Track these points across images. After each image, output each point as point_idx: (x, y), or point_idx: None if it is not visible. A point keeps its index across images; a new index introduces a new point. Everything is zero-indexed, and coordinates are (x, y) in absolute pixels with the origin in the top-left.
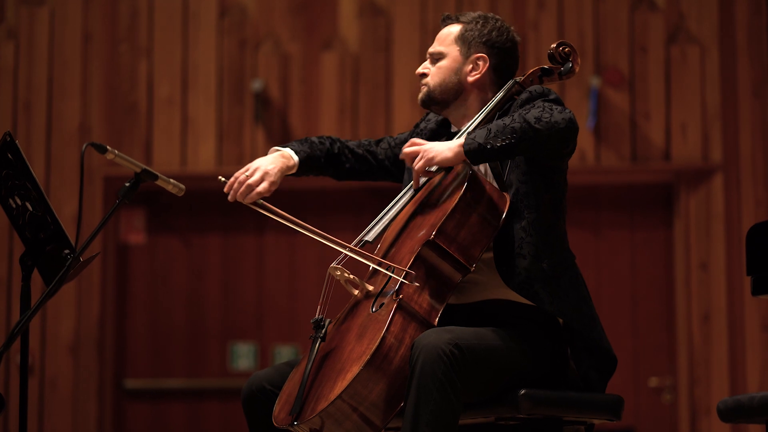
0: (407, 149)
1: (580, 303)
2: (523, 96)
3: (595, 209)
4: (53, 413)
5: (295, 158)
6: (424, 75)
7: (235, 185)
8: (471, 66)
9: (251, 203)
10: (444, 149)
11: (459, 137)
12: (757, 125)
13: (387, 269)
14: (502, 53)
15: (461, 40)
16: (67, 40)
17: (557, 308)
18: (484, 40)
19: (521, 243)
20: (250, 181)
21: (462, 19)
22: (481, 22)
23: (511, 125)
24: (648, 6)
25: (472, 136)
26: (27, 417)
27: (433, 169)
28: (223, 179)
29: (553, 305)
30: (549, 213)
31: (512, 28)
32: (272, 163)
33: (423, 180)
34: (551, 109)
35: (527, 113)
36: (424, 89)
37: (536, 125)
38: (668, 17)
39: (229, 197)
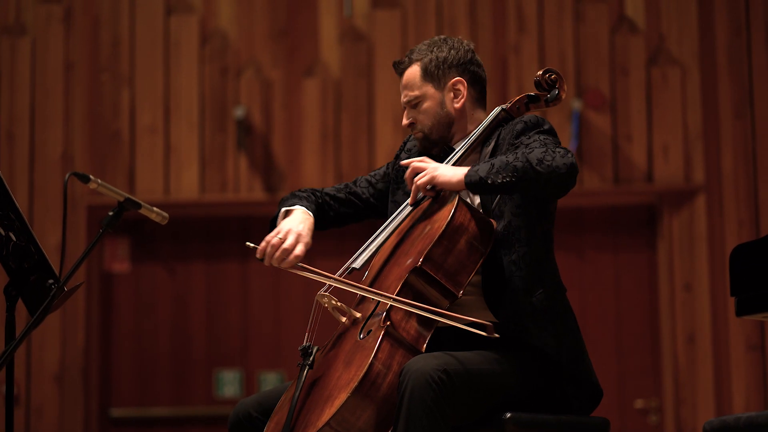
0: (417, 163)
1: (567, 337)
2: (518, 127)
3: (578, 232)
4: None
5: (311, 213)
6: (413, 125)
7: (269, 250)
8: (452, 94)
9: (289, 267)
10: (449, 174)
11: (450, 160)
12: (738, 146)
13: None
14: (469, 66)
15: (428, 76)
16: (48, 70)
17: (543, 342)
18: (448, 64)
19: (511, 276)
20: (286, 245)
21: (414, 57)
22: (434, 50)
23: (514, 163)
24: (628, 28)
25: (475, 168)
26: None
27: (428, 188)
28: (252, 245)
29: (540, 339)
30: (540, 246)
31: (459, 38)
32: (301, 222)
33: (419, 196)
34: (554, 152)
35: (531, 153)
36: (420, 136)
37: (538, 167)
38: (649, 39)
39: (265, 262)
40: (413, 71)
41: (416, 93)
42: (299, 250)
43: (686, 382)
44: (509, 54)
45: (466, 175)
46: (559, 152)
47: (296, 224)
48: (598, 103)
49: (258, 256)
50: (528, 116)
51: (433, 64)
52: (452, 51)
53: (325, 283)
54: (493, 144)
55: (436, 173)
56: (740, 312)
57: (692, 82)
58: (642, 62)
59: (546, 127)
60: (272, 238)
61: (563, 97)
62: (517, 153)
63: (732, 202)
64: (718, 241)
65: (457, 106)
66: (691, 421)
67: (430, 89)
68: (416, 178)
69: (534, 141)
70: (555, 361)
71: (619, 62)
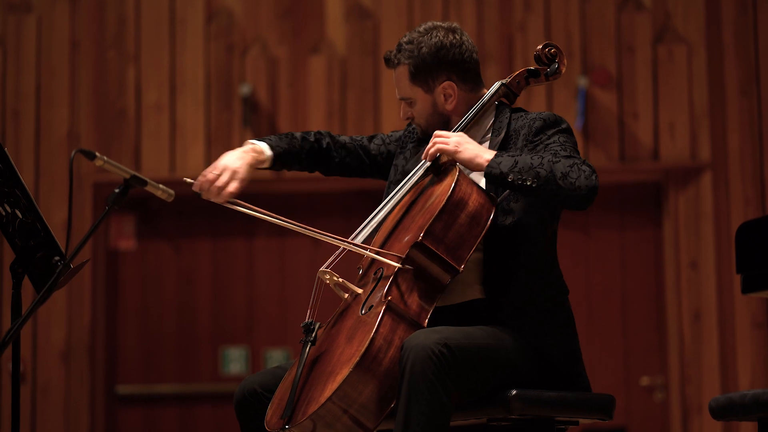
0: (444, 137)
1: (565, 340)
2: (537, 124)
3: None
4: (45, 420)
5: (269, 153)
6: (410, 118)
7: (205, 185)
8: (442, 97)
9: (223, 202)
10: (472, 155)
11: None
12: (744, 124)
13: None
14: (457, 65)
15: (415, 80)
16: (54, 47)
17: (542, 343)
18: (434, 67)
19: (517, 274)
20: (219, 183)
21: (402, 57)
22: (421, 49)
23: (537, 169)
24: (634, 6)
25: (498, 160)
26: (19, 425)
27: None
28: (189, 180)
29: (539, 339)
30: (548, 246)
31: (447, 24)
32: (240, 158)
33: (425, 168)
34: (580, 170)
35: (557, 163)
36: (418, 129)
37: (560, 181)
38: (655, 17)
39: (203, 196)
40: (402, 72)
41: (407, 94)
42: (232, 186)
43: (692, 360)
44: (515, 32)
45: (488, 165)
46: (584, 171)
47: (233, 160)
48: (605, 81)
49: (195, 189)
50: (546, 114)
51: (420, 69)
52: (441, 51)
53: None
54: (503, 134)
55: (460, 147)
56: (746, 289)
57: (698, 60)
58: (648, 40)
59: (564, 126)
60: (208, 172)
61: (563, 71)
62: (542, 158)
63: (738, 180)
64: (724, 218)
65: (449, 108)
66: (697, 399)
67: (419, 93)
68: (439, 140)
69: (554, 143)
70: (550, 362)
71: (626, 40)
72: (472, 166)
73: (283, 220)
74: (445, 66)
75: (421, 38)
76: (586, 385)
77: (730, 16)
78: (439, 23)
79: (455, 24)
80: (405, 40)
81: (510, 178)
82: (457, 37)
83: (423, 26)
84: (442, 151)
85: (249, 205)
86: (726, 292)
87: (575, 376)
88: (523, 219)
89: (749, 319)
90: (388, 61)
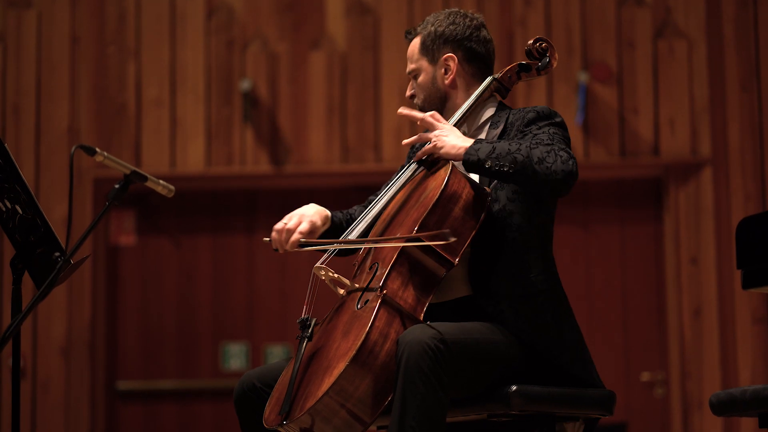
0: (430, 119)
1: (548, 327)
2: (530, 115)
3: (584, 205)
4: (46, 416)
5: (329, 215)
6: (413, 96)
7: (275, 236)
8: (443, 70)
9: (298, 247)
10: (450, 146)
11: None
12: (745, 119)
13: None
14: (465, 42)
15: (424, 49)
16: (54, 43)
17: (519, 328)
18: (443, 39)
19: (496, 260)
20: (290, 225)
21: (420, 29)
22: (435, 23)
23: (514, 155)
24: (635, 1)
25: (476, 147)
26: (19, 420)
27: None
28: (267, 239)
29: (516, 325)
30: (534, 236)
31: (471, 12)
32: (311, 208)
33: (414, 167)
34: (557, 155)
35: (534, 148)
36: (417, 108)
37: (536, 166)
38: (655, 12)
39: (280, 250)
40: (415, 43)
41: (414, 66)
42: (303, 227)
43: (692, 355)
44: (516, 27)
45: (467, 152)
46: (561, 156)
47: (302, 209)
48: (605, 76)
49: (274, 247)
50: (541, 107)
51: (430, 38)
52: (451, 26)
53: (326, 252)
54: (501, 128)
55: (440, 144)
56: (746, 285)
57: (699, 55)
58: (649, 35)
59: (557, 119)
60: (278, 224)
61: (554, 65)
62: (521, 144)
63: (738, 175)
64: (724, 214)
65: (446, 82)
66: (697, 394)
67: (424, 63)
68: (426, 145)
69: (543, 133)
70: (532, 349)
71: (626, 35)
72: (452, 155)
73: (360, 242)
74: (452, 41)
75: (440, 15)
76: (591, 381)
77: (730, 11)
78: (465, 11)
79: (479, 15)
80: (428, 17)
81: (488, 164)
82: (474, 23)
83: (448, 10)
84: (426, 153)
85: (324, 241)
86: (726, 287)
87: (562, 367)
88: (507, 206)
89: (750, 314)
90: (408, 33)
